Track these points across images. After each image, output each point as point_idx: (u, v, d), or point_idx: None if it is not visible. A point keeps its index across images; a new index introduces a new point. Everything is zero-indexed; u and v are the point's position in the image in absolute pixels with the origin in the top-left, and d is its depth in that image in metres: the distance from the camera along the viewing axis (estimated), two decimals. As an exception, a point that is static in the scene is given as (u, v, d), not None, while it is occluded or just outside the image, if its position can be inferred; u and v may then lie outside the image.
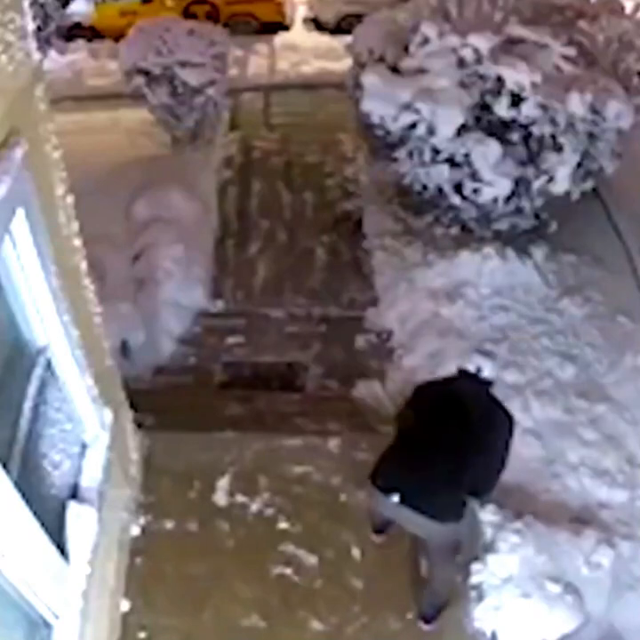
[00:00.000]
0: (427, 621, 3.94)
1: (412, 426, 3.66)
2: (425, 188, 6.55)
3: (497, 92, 5.86)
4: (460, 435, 3.48)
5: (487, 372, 3.66)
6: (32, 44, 2.58)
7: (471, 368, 3.66)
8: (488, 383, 3.68)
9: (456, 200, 6.47)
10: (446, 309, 6.16)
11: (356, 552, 4.18)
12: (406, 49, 6.42)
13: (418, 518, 3.48)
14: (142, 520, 4.27)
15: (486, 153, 5.95)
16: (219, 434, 4.81)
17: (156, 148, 8.79)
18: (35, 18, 2.63)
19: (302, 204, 8.38)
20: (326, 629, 3.88)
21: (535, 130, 5.90)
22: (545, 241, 6.82)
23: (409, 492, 3.46)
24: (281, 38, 12.74)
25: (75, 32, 12.21)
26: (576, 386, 5.54)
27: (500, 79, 5.80)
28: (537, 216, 6.68)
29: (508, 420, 3.61)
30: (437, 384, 3.87)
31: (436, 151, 6.18)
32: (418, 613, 3.95)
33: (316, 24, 13.22)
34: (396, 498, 3.47)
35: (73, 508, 3.01)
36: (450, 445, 3.46)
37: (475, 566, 4.11)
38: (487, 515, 4.27)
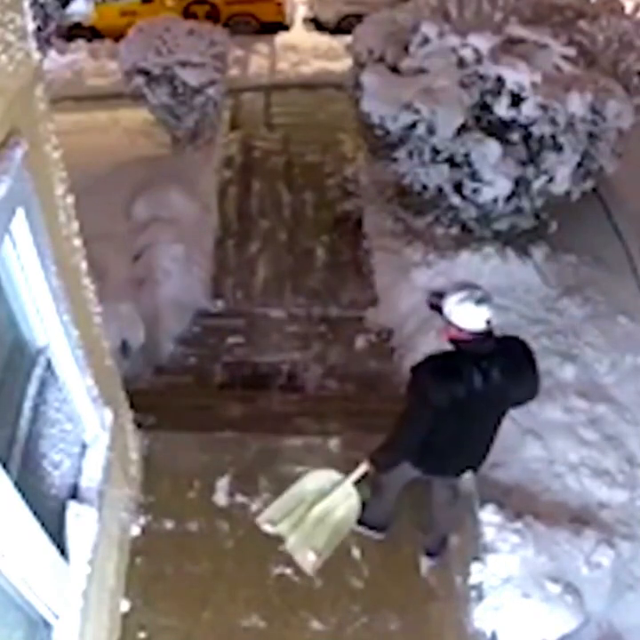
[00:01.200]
0: (431, 554, 4.17)
1: (443, 417, 3.37)
2: (425, 188, 6.55)
3: (497, 92, 5.85)
4: (495, 405, 3.47)
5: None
6: (32, 44, 2.57)
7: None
8: (489, 334, 3.26)
9: (456, 200, 6.46)
10: (446, 309, 6.15)
11: (355, 552, 4.18)
12: (406, 49, 6.41)
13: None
14: (142, 520, 4.26)
15: (486, 153, 5.94)
16: (219, 434, 4.80)
17: (155, 147, 8.79)
18: (35, 18, 2.63)
19: (302, 204, 8.38)
20: (326, 629, 3.87)
21: (535, 130, 5.90)
22: (545, 241, 6.82)
23: (476, 465, 3.76)
24: (281, 38, 12.74)
25: (75, 32, 12.19)
26: (576, 386, 5.53)
27: (500, 79, 5.80)
28: (537, 216, 6.67)
29: (520, 345, 3.39)
30: (445, 369, 3.37)
31: (436, 151, 6.17)
32: (424, 550, 4.18)
33: (316, 24, 13.23)
34: (468, 475, 3.83)
35: (73, 508, 3.01)
36: (491, 412, 3.51)
37: (475, 566, 4.11)
38: (487, 515, 4.27)
